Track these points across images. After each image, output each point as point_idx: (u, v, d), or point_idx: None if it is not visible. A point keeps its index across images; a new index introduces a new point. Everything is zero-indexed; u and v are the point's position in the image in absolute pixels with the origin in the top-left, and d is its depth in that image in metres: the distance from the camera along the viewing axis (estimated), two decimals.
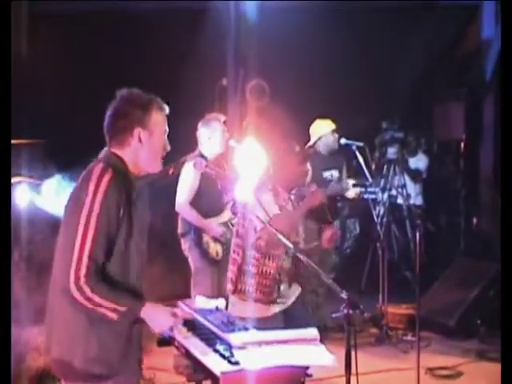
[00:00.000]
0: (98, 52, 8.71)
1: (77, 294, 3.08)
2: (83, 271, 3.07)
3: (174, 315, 3.29)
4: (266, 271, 5.04)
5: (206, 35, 9.21)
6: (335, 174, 7.94)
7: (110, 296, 3.12)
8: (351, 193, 7.91)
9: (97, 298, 3.09)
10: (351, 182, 7.89)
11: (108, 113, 3.38)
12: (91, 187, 3.15)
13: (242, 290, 5.06)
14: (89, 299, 3.09)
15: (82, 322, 3.18)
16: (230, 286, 5.14)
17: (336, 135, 7.93)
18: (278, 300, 5.10)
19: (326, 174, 7.87)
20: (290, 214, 5.12)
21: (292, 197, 5.35)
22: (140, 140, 3.35)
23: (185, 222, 6.48)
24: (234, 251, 5.18)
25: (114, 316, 3.15)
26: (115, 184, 3.19)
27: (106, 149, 3.39)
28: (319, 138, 7.91)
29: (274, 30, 8.88)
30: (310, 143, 7.91)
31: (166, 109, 3.47)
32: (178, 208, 6.44)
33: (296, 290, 5.27)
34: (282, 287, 5.12)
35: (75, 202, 3.20)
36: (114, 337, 3.21)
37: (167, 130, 3.48)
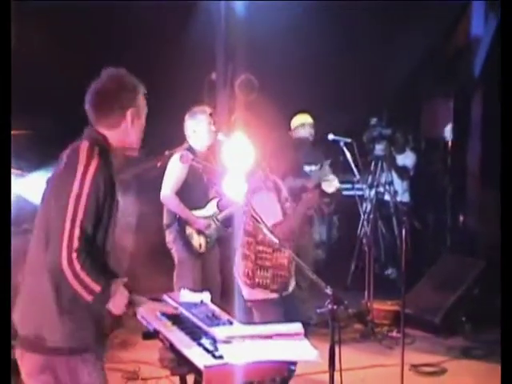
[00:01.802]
0: (87, 45, 8.68)
1: (66, 269, 3.08)
2: (76, 244, 3.09)
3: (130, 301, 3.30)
4: (280, 263, 5.22)
5: (195, 30, 9.21)
6: (315, 168, 7.91)
7: (93, 274, 3.13)
8: (330, 187, 7.86)
9: (82, 275, 3.11)
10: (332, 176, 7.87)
11: (96, 92, 3.41)
12: (81, 164, 3.19)
13: (260, 283, 5.21)
14: (76, 276, 3.10)
15: (55, 300, 3.21)
16: (247, 280, 5.25)
17: (309, 129, 7.88)
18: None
19: (306, 169, 7.85)
20: (291, 222, 5.20)
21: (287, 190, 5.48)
22: (132, 121, 3.40)
23: (170, 213, 6.49)
24: (244, 247, 5.28)
25: (89, 298, 3.16)
26: (103, 161, 3.24)
27: (89, 128, 3.43)
28: (290, 131, 7.89)
29: (264, 25, 8.89)
30: None
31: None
32: (163, 198, 6.44)
33: (293, 282, 5.45)
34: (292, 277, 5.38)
35: (63, 178, 3.23)
36: (87, 316, 3.26)
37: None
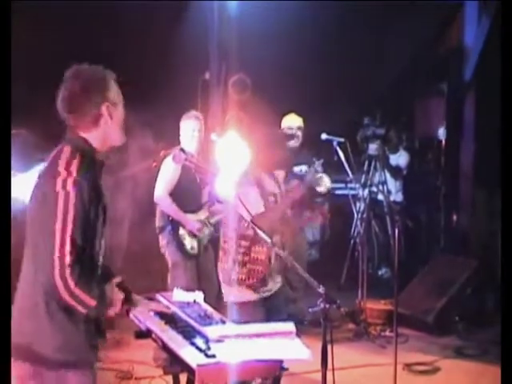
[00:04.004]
0: (80, 44, 8.66)
1: (60, 286, 3.01)
2: (68, 260, 3.01)
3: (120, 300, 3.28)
4: (256, 258, 5.10)
5: (188, 29, 9.20)
6: (305, 169, 7.90)
7: (87, 289, 3.07)
8: (322, 187, 7.87)
9: (77, 291, 3.04)
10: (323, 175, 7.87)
11: (65, 96, 3.26)
12: (63, 174, 3.10)
13: (236, 279, 5.09)
14: (71, 292, 3.03)
15: (47, 313, 3.16)
16: (224, 277, 5.17)
17: (294, 132, 7.85)
18: (268, 287, 5.18)
19: (296, 170, 7.85)
20: (272, 213, 5.15)
21: (281, 186, 5.45)
22: (110, 115, 3.28)
23: (163, 216, 6.49)
24: (224, 242, 5.22)
25: (84, 311, 3.12)
26: (85, 168, 3.14)
27: (69, 130, 3.31)
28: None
29: (257, 25, 8.89)
30: None
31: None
32: (156, 199, 6.45)
33: (278, 282, 5.30)
34: (273, 274, 5.19)
35: (46, 189, 3.13)
36: (79, 328, 3.21)
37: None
